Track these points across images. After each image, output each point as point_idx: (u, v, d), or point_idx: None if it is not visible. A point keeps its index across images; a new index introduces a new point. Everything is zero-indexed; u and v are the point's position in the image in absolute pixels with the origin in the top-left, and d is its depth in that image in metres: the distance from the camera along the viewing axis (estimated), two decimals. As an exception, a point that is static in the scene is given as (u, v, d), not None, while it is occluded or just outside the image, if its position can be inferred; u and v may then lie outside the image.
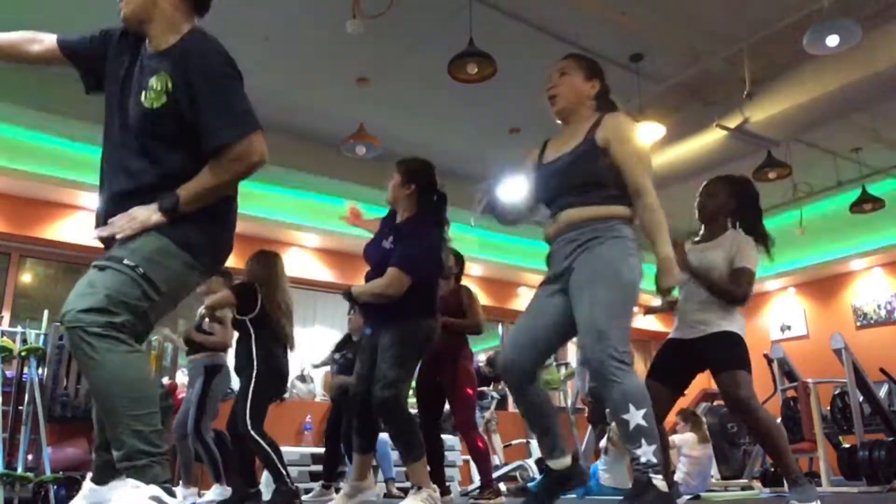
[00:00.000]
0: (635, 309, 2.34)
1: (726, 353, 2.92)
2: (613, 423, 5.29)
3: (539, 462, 5.75)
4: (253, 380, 3.85)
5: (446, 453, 4.63)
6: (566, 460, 2.40)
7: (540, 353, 2.41)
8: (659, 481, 2.11)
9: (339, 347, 5.49)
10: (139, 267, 1.70)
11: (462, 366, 4.08)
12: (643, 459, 2.12)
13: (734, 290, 2.96)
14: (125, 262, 1.70)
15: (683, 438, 5.18)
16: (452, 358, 4.06)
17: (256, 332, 3.99)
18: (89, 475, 1.97)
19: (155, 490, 1.61)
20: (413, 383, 3.44)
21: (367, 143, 6.16)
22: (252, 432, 3.76)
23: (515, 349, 2.39)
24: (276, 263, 4.22)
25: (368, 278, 3.23)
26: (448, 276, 4.27)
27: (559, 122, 2.55)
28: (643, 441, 2.13)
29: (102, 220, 1.85)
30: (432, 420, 4.19)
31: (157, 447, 1.66)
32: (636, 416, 2.13)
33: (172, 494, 1.65)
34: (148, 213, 1.75)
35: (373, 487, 3.34)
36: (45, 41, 1.97)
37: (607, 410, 2.38)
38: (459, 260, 4.35)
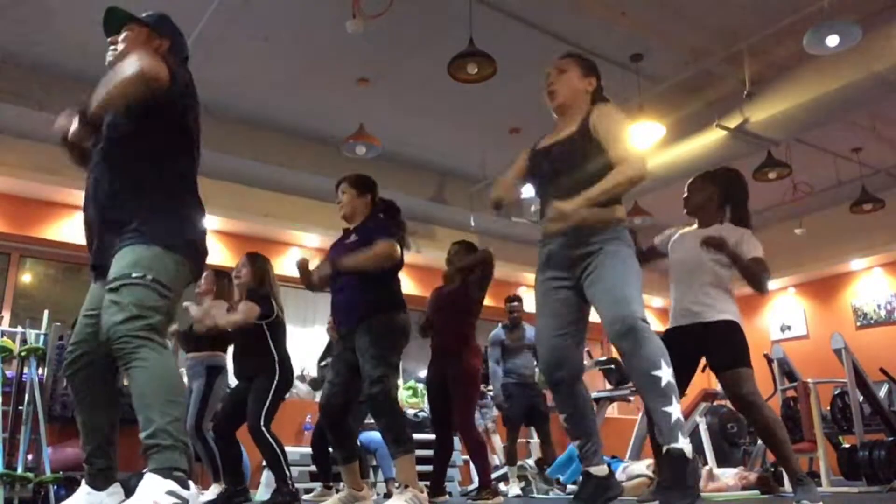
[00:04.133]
0: None
1: (727, 352, 2.92)
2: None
3: (538, 462, 5.74)
4: (276, 380, 3.97)
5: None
6: (605, 468, 2.44)
7: (578, 350, 2.49)
8: (687, 445, 2.16)
9: (324, 356, 5.50)
10: (147, 275, 1.95)
11: (467, 363, 4.08)
12: (675, 416, 2.18)
13: (764, 274, 2.96)
14: (133, 275, 1.94)
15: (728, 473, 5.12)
16: (458, 355, 4.06)
17: (273, 335, 4.08)
18: (84, 480, 2.08)
19: (172, 485, 1.77)
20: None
21: (367, 143, 6.14)
22: (264, 430, 3.86)
23: (556, 350, 2.44)
24: (271, 265, 4.36)
25: (336, 284, 3.24)
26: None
27: (556, 116, 2.67)
28: (673, 398, 2.21)
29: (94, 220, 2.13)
30: (444, 419, 4.19)
31: (180, 434, 1.86)
32: (667, 373, 2.21)
33: (187, 486, 1.80)
34: None
35: (368, 499, 3.35)
36: None
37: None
38: (472, 250, 4.39)
